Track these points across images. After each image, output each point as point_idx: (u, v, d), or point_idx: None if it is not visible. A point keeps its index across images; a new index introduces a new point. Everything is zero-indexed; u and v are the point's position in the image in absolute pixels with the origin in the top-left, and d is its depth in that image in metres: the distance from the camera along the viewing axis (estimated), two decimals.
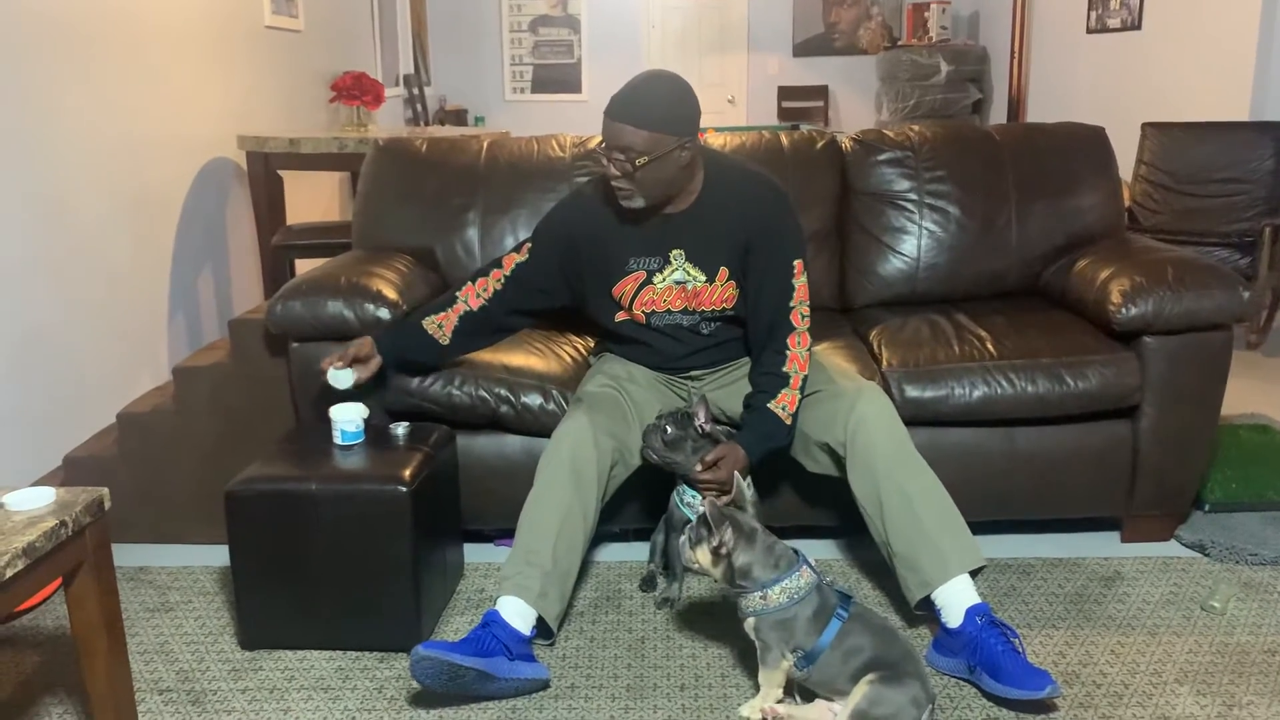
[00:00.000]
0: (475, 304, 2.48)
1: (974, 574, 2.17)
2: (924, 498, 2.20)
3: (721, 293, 2.39)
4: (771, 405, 2.31)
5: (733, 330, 2.47)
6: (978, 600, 2.13)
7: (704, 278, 2.38)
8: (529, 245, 2.49)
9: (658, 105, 2.21)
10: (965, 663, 2.10)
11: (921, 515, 2.18)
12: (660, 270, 2.39)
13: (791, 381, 2.32)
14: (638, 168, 2.21)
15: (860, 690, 1.85)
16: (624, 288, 2.42)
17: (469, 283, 2.50)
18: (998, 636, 2.06)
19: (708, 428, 2.27)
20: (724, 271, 2.38)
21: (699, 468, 2.24)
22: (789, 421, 2.32)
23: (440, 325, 2.46)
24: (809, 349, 2.38)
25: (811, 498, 2.58)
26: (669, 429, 2.26)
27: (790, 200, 2.41)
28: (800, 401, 2.34)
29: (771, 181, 2.43)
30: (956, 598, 2.13)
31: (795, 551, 1.99)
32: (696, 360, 2.50)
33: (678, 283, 2.39)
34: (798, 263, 2.36)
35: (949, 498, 2.23)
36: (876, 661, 1.88)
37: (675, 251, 2.38)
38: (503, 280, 2.48)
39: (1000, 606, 2.39)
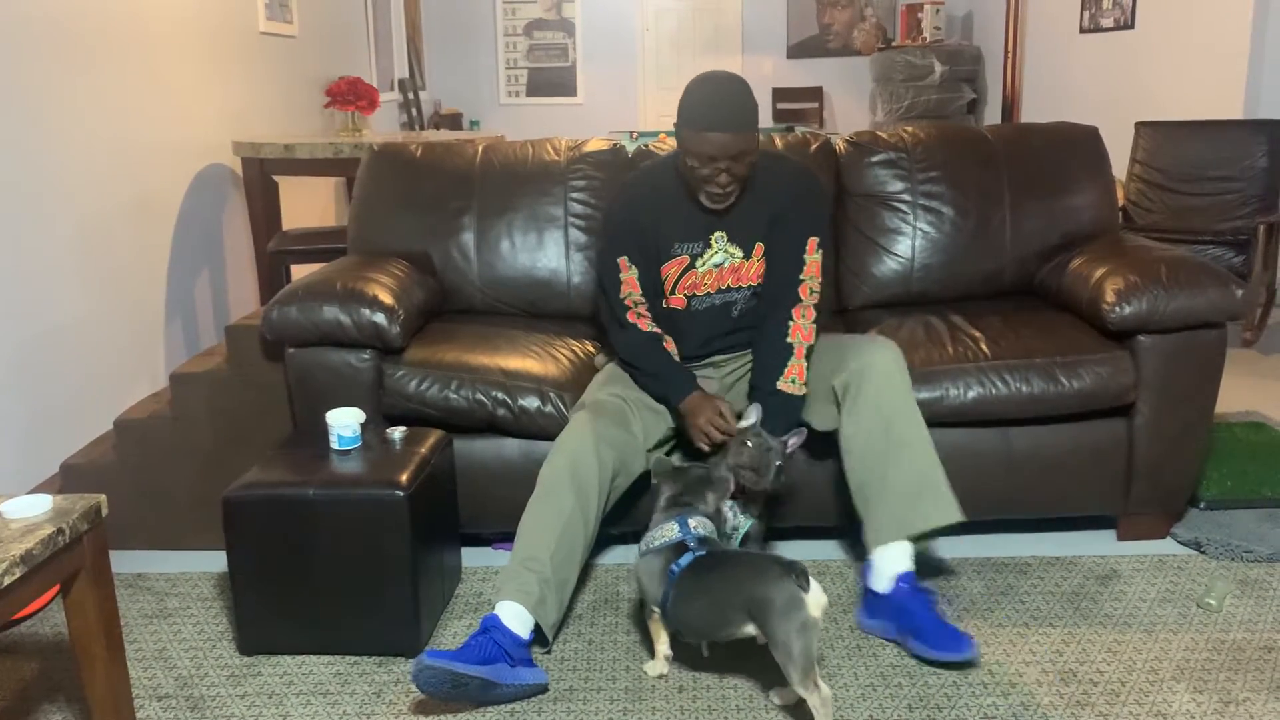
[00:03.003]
0: (649, 326, 2.45)
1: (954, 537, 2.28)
2: (907, 452, 2.25)
3: (758, 268, 2.45)
4: (781, 384, 2.35)
5: (758, 314, 2.50)
6: (910, 568, 2.22)
7: (741, 254, 2.44)
8: (625, 260, 2.44)
9: (749, 106, 2.28)
10: (893, 625, 2.20)
11: (891, 473, 2.24)
12: (701, 254, 2.43)
13: (795, 351, 2.37)
14: (748, 169, 2.29)
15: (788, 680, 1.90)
16: (668, 271, 2.46)
17: (631, 315, 2.44)
18: (921, 601, 2.16)
19: (790, 449, 2.29)
20: (759, 247, 2.44)
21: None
22: (802, 391, 2.36)
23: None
24: (814, 321, 2.41)
25: (812, 497, 2.58)
26: (754, 455, 2.24)
27: (821, 185, 2.52)
28: (808, 369, 2.37)
29: (806, 167, 2.57)
30: (891, 564, 2.23)
31: (685, 514, 2.10)
32: (724, 343, 2.53)
33: (717, 265, 2.44)
34: (812, 239, 2.42)
35: (934, 457, 2.27)
36: (738, 604, 1.94)
37: (717, 234, 2.42)
38: (646, 301, 2.45)
39: (997, 605, 2.40)
